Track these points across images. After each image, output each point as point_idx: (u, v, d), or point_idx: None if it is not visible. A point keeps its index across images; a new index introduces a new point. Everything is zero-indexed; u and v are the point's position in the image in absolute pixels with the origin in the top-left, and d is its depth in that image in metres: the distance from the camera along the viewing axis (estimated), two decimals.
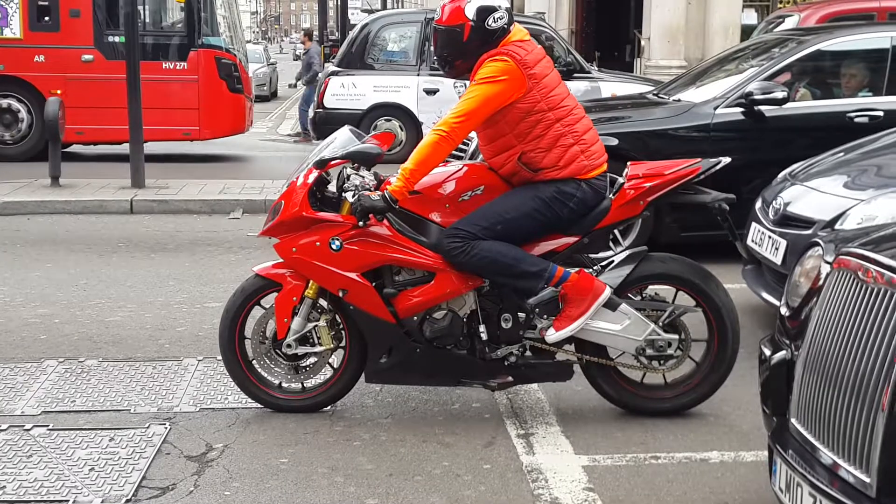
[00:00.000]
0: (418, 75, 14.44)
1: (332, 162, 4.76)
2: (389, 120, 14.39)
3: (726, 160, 4.80)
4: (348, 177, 4.84)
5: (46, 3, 14.33)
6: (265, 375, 4.99)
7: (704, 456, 4.50)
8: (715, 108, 8.04)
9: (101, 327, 6.38)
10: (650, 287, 4.91)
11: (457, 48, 4.73)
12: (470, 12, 4.65)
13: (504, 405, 5.09)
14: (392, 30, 15.14)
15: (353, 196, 4.66)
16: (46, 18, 14.36)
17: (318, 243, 4.71)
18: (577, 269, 4.74)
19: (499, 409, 5.05)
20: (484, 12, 4.65)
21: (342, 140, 4.85)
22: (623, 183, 4.79)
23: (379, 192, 4.61)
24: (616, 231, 5.12)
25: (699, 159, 4.80)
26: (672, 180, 4.73)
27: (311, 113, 16.15)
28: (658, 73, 17.65)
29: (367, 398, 5.16)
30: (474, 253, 4.61)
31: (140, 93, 11.44)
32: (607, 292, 4.66)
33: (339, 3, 32.06)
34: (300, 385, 5.02)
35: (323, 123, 14.29)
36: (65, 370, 5.54)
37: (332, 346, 4.90)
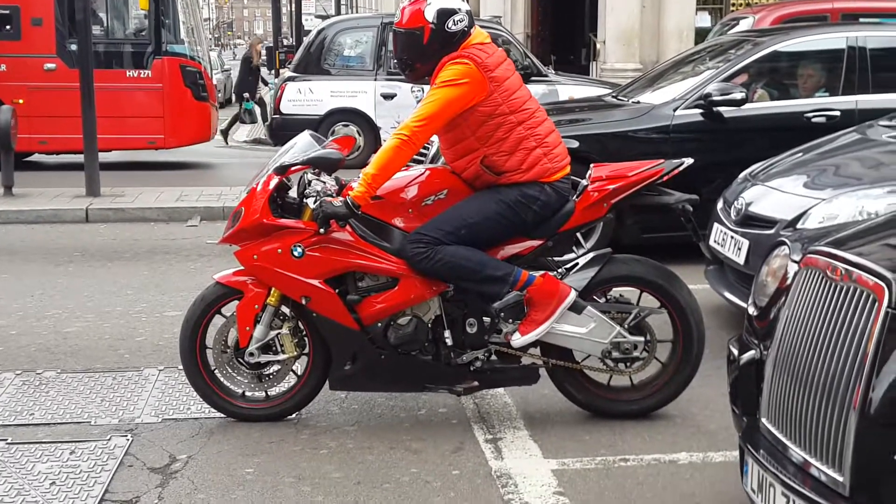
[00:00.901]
0: (375, 80, 14.39)
1: (293, 168, 4.70)
2: (347, 125, 14.32)
3: (689, 161, 4.80)
4: (309, 182, 4.78)
5: (7, 12, 14.09)
6: (228, 385, 4.92)
7: (673, 457, 4.48)
8: (674, 110, 8.06)
9: (59, 338, 6.27)
10: (615, 289, 4.90)
11: (417, 51, 4.69)
12: (430, 15, 4.62)
13: (471, 410, 5.06)
14: (348, 35, 15.06)
15: (315, 202, 4.61)
16: (7, 27, 14.13)
17: (279, 250, 4.65)
18: (541, 272, 4.71)
19: (466, 414, 5.01)
20: (444, 15, 4.62)
21: (302, 145, 4.80)
22: (587, 185, 4.77)
23: (341, 198, 4.56)
24: (578, 234, 5.09)
25: (662, 161, 4.80)
26: (635, 182, 4.72)
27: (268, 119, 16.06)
28: (614, 76, 17.69)
29: (333, 405, 5.11)
30: (438, 258, 4.57)
31: (94, 101, 11.29)
32: (572, 295, 4.64)
33: (293, 8, 32.01)
34: (264, 393, 4.95)
35: (280, 129, 14.22)
36: (22, 382, 5.44)
37: (295, 353, 4.83)
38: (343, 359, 4.78)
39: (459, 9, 4.66)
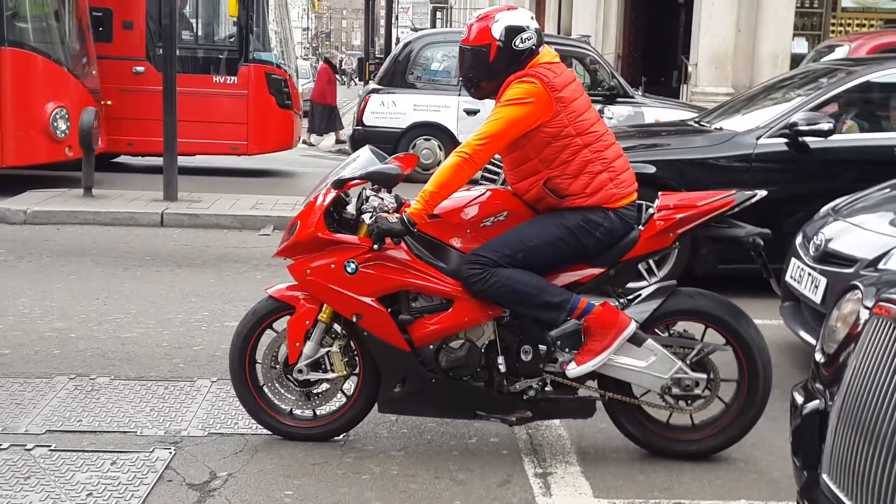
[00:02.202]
0: (459, 95, 14.28)
1: (351, 182, 4.58)
2: (429, 139, 14.26)
3: (762, 193, 4.57)
4: (367, 198, 4.66)
5: (100, 14, 14.26)
6: (276, 401, 4.82)
7: None
8: (757, 138, 7.79)
9: (117, 343, 6.24)
10: (679, 323, 4.68)
11: (483, 69, 4.55)
12: (497, 32, 4.47)
13: (524, 441, 4.87)
14: (434, 49, 15.00)
15: (371, 218, 4.49)
16: (100, 29, 14.32)
17: (332, 265, 4.54)
18: (601, 301, 4.52)
19: (518, 445, 4.83)
20: (511, 32, 4.47)
21: (363, 160, 4.69)
22: (653, 213, 4.57)
23: (397, 215, 4.43)
24: (651, 261, 4.88)
25: (734, 191, 4.57)
26: (704, 212, 4.51)
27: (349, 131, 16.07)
28: (705, 100, 17.35)
29: (382, 428, 4.97)
30: (494, 281, 4.41)
31: (175, 105, 11.36)
32: (632, 327, 4.44)
33: (387, 21, 32.15)
34: (312, 412, 4.84)
35: (362, 141, 14.11)
36: (74, 387, 5.40)
37: (344, 372, 4.71)
38: (392, 380, 4.64)
39: (528, 26, 4.50)
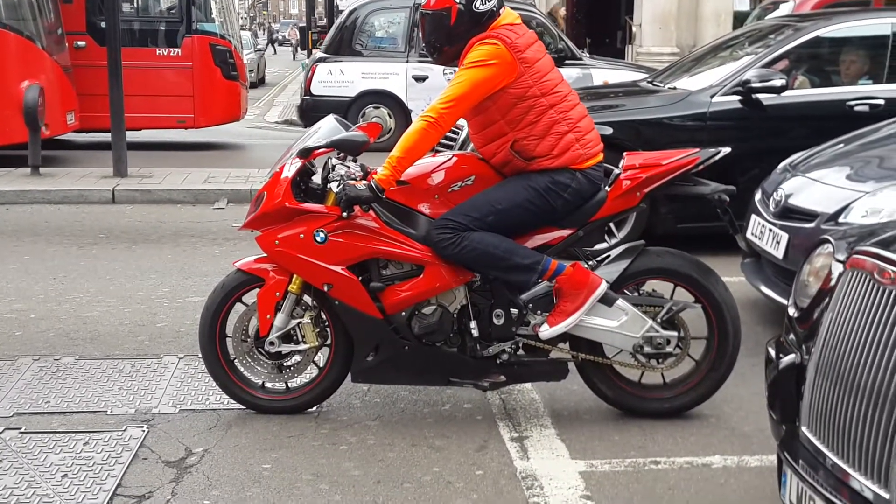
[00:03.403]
0: (407, 62, 14.22)
1: (317, 151, 4.55)
2: (378, 107, 14.18)
3: (726, 150, 4.60)
4: (333, 167, 4.63)
5: None
6: (247, 375, 4.79)
7: (706, 461, 4.30)
8: (711, 97, 7.83)
9: (79, 323, 6.16)
10: (648, 282, 4.71)
11: (444, 33, 4.52)
12: None
13: (497, 406, 4.89)
14: (380, 15, 14.87)
15: (339, 186, 4.46)
16: None
17: (301, 235, 4.50)
18: (571, 262, 4.54)
19: (491, 410, 4.85)
20: None
21: (327, 129, 4.65)
22: (619, 174, 4.59)
23: (365, 182, 4.41)
24: (611, 223, 4.91)
25: (698, 150, 4.60)
26: (670, 171, 4.53)
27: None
28: (650, 61, 17.42)
29: (355, 399, 4.96)
30: (464, 245, 4.41)
31: (122, 79, 11.18)
32: (603, 286, 4.46)
33: None
34: (284, 385, 4.82)
35: (310, 111, 14.08)
36: (39, 368, 5.33)
37: (316, 343, 4.69)
38: (365, 349, 4.63)
39: None
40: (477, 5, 4.47)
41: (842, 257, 3.31)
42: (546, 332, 4.49)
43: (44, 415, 4.74)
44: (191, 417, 4.73)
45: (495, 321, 4.59)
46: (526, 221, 4.52)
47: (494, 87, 4.41)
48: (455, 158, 4.71)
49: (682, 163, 4.55)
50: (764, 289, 5.95)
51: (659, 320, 4.57)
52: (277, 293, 4.62)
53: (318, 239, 4.49)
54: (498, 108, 4.47)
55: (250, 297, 4.73)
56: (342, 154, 4.61)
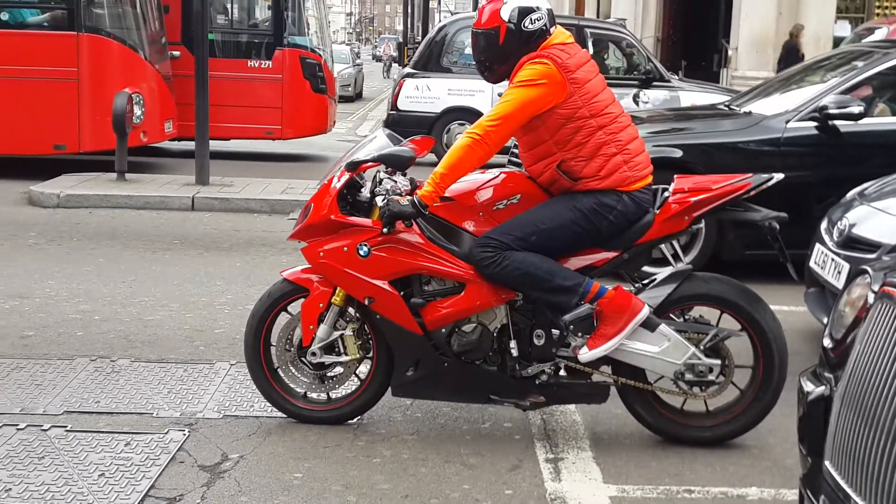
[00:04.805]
0: None
1: (364, 164, 4.58)
2: (463, 124, 14.17)
3: (779, 176, 4.50)
4: (381, 181, 4.65)
5: None
6: (290, 384, 4.82)
7: (742, 492, 4.20)
8: (787, 122, 7.68)
9: (140, 326, 6.28)
10: (695, 308, 4.63)
11: (494, 52, 4.51)
12: (506, 14, 4.43)
13: (537, 426, 4.85)
14: (469, 33, 14.87)
15: (383, 200, 4.47)
16: None
17: (345, 248, 4.53)
18: (614, 285, 4.48)
19: (531, 430, 4.81)
20: (521, 14, 4.42)
21: (377, 143, 4.68)
22: (668, 197, 4.52)
23: (409, 197, 4.41)
24: (677, 246, 4.81)
25: (750, 175, 4.51)
26: (720, 195, 4.45)
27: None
28: (745, 84, 17.16)
29: (396, 412, 4.96)
30: (506, 264, 4.38)
31: (207, 89, 11.38)
32: (645, 311, 4.40)
33: (425, 4, 32.09)
34: (326, 395, 4.84)
35: (395, 126, 14.14)
36: (95, 369, 5.44)
37: (358, 355, 4.70)
38: (405, 364, 4.63)
39: (538, 7, 4.46)
40: (526, 24, 4.45)
41: (877, 287, 3.21)
42: (585, 355, 4.44)
43: (92, 414, 4.84)
44: (233, 423, 4.78)
45: (535, 342, 4.55)
46: (570, 242, 4.48)
47: (543, 107, 4.39)
48: (502, 176, 4.69)
49: (733, 188, 4.47)
50: (826, 320, 5.76)
51: (702, 347, 4.49)
52: (321, 304, 4.65)
53: (361, 252, 4.51)
54: (546, 128, 4.44)
55: (295, 307, 4.77)
56: (390, 168, 4.63)
